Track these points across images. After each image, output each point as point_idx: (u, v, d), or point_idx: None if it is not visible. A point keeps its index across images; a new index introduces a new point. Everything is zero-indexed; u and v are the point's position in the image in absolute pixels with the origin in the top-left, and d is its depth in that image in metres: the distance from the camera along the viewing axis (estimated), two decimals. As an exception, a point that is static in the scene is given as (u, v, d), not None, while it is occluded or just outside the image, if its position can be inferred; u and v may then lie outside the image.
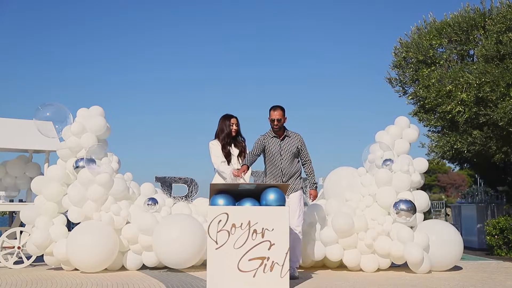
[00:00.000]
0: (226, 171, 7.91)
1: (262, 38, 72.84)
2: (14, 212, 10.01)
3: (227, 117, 8.13)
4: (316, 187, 7.57)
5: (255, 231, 6.37)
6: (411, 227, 7.87)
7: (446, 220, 16.80)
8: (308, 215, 8.20)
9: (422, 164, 8.39)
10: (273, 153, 7.43)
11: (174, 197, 8.69)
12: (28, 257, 8.51)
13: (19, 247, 8.48)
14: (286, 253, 6.35)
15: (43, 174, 9.29)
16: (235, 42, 73.60)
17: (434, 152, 11.59)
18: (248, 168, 7.47)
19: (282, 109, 7.40)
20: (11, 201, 9.73)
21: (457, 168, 15.36)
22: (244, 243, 6.34)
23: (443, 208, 17.54)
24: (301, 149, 7.52)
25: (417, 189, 8.40)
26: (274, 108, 7.40)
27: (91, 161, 7.91)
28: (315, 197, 7.53)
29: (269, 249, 6.35)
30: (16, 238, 8.55)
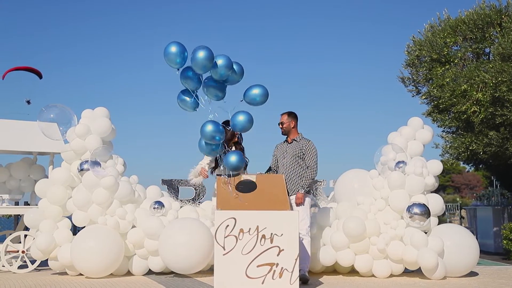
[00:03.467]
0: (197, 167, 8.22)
1: (272, 36, 72.73)
2: (19, 215, 9.90)
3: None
4: (303, 190, 7.31)
5: (263, 236, 6.24)
6: (425, 232, 7.68)
7: (461, 223, 16.51)
8: (319, 218, 8.04)
9: (436, 166, 8.18)
10: (278, 156, 7.68)
11: (181, 200, 8.52)
12: (33, 262, 8.40)
13: (23, 251, 8.37)
14: (296, 259, 6.21)
15: (47, 177, 9.16)
16: (244, 41, 73.57)
17: (449, 153, 11.36)
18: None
19: (287, 114, 7.68)
20: (17, 203, 9.62)
21: (472, 169, 15.10)
22: (252, 249, 6.20)
23: (457, 210, 17.24)
24: (305, 154, 7.49)
25: (431, 192, 8.19)
26: (281, 113, 7.75)
27: (96, 163, 7.77)
28: (298, 199, 7.26)
29: (278, 255, 6.21)
30: (20, 242, 8.42)
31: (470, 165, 13.56)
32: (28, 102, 10.31)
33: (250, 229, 6.22)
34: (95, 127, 8.23)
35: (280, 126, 7.65)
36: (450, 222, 16.26)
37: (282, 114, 7.70)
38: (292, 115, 7.64)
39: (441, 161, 8.47)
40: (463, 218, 16.55)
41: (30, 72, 10.63)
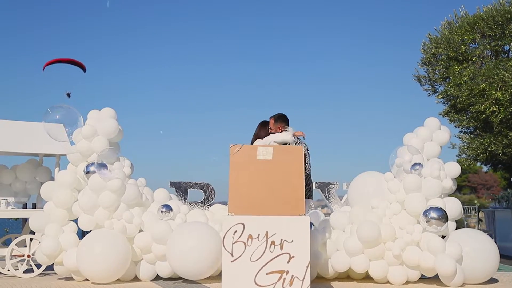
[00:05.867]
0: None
1: (285, 35, 72.34)
2: (27, 218, 9.78)
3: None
4: None
5: (273, 242, 6.01)
6: (443, 237, 7.45)
7: (479, 227, 16.18)
8: (332, 222, 7.84)
9: (454, 168, 7.91)
10: None
11: (189, 203, 8.34)
12: (39, 266, 8.26)
13: (29, 256, 8.23)
14: (307, 267, 5.98)
15: (54, 179, 9.02)
16: (260, 38, 73.19)
17: (466, 154, 11.07)
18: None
19: (274, 119, 7.56)
20: (25, 206, 9.48)
21: (490, 169, 14.77)
22: (262, 256, 5.97)
23: (476, 212, 16.88)
24: None
25: (448, 195, 7.92)
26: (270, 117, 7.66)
27: (102, 166, 7.60)
28: None
29: (288, 262, 5.97)
30: (26, 246, 8.28)
31: (488, 166, 13.28)
32: (68, 95, 10.14)
33: (259, 235, 6.01)
34: (101, 128, 8.05)
35: (270, 130, 7.50)
36: (466, 223, 15.96)
37: (270, 118, 7.53)
38: (280, 120, 7.44)
39: (458, 161, 8.20)
40: (481, 221, 16.22)
41: (73, 65, 10.42)
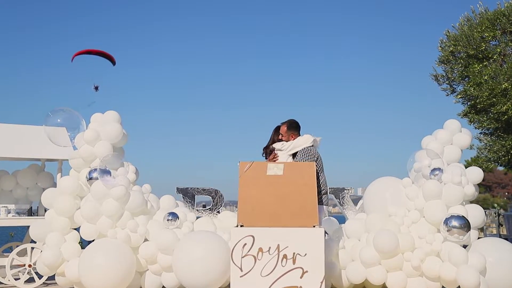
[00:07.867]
0: None
1: (299, 34, 72.20)
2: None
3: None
4: None
5: (285, 256, 5.82)
6: (465, 247, 7.14)
7: (500, 232, 15.77)
8: (347, 231, 7.61)
9: (477, 174, 7.64)
10: None
11: (197, 210, 8.07)
12: (40, 276, 8.06)
13: (30, 265, 8.03)
14: (321, 282, 5.81)
15: (56, 185, 8.76)
16: (274, 36, 73.03)
17: (487, 157, 10.72)
18: None
19: (287, 126, 7.54)
20: (29, 211, 9.24)
21: (510, 171, 14.38)
22: (273, 270, 5.80)
23: (496, 216, 16.51)
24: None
25: (470, 202, 7.62)
26: (282, 122, 7.64)
27: (105, 172, 7.34)
28: None
29: (301, 278, 5.79)
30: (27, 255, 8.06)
31: (508, 167, 12.94)
32: (96, 88, 9.89)
33: (270, 248, 5.84)
34: (105, 132, 7.81)
35: (280, 137, 7.50)
36: (485, 226, 15.63)
37: (282, 124, 7.53)
38: (292, 128, 7.48)
39: (473, 159, 7.91)
40: (501, 225, 15.83)
41: (102, 57, 10.16)
